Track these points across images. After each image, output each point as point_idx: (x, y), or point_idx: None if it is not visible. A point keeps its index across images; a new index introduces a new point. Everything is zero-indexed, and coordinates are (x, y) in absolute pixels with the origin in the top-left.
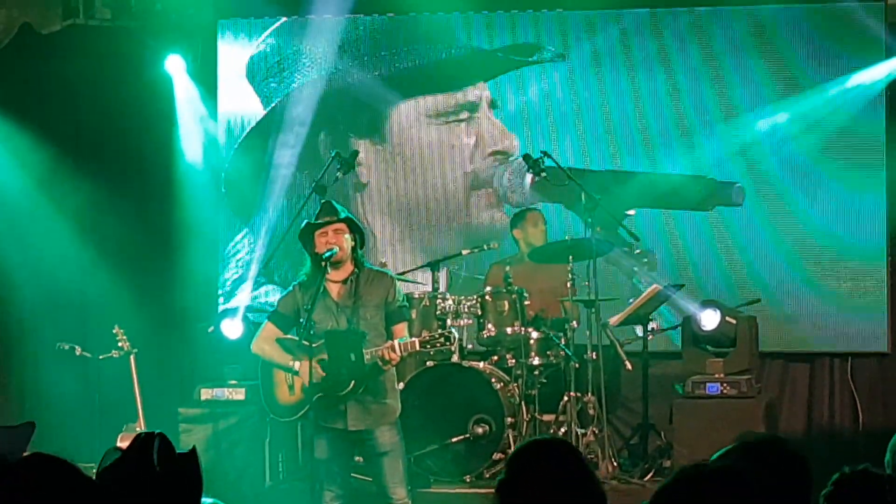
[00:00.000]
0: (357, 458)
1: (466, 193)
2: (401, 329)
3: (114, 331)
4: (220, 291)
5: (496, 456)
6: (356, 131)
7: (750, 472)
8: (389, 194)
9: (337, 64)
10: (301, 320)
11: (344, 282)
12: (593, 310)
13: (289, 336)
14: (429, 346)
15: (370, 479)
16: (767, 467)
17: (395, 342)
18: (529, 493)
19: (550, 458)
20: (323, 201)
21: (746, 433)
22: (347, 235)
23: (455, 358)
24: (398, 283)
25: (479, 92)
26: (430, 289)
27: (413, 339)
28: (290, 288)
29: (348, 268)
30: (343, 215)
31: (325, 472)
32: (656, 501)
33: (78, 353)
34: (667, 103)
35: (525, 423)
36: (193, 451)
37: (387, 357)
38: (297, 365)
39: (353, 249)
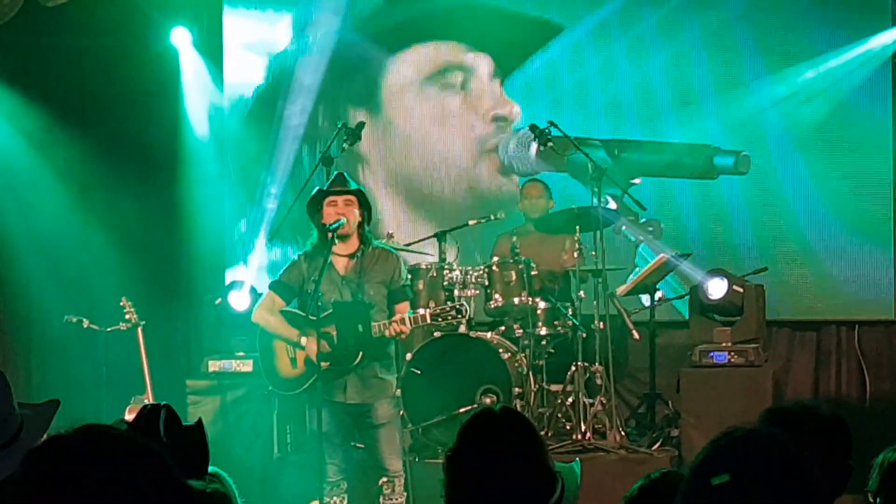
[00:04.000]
0: None
1: (473, 161)
2: (403, 308)
3: (121, 303)
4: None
5: None
6: (352, 100)
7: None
8: (388, 165)
9: (338, 31)
10: (308, 290)
11: (350, 256)
12: (600, 279)
13: (292, 310)
14: (440, 319)
15: (363, 447)
16: (804, 435)
17: (405, 315)
18: (477, 464)
19: (500, 430)
20: (336, 172)
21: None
22: (356, 209)
23: (462, 328)
24: (402, 263)
25: (477, 57)
26: (436, 259)
27: (424, 311)
28: (295, 258)
29: (354, 242)
30: (354, 187)
31: (327, 445)
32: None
33: (85, 326)
34: (672, 73)
35: (532, 394)
36: (200, 422)
37: (398, 330)
38: (303, 340)
39: (361, 224)
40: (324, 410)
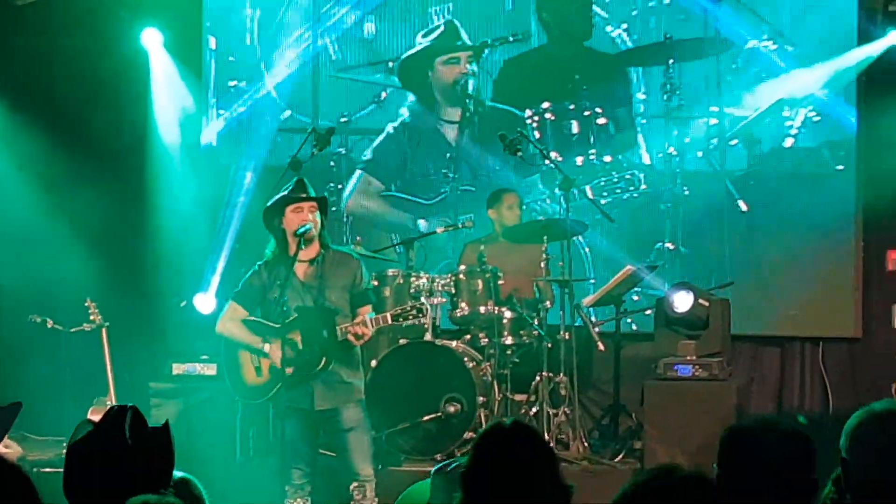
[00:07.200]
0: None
1: None
2: (365, 312)
3: (86, 304)
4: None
5: (467, 435)
6: None
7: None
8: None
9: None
10: (270, 298)
11: (310, 262)
12: (567, 290)
13: (255, 318)
14: (401, 319)
15: (334, 455)
16: (766, 450)
17: (366, 317)
18: (492, 480)
19: (513, 445)
20: (296, 178)
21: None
22: (319, 215)
23: (428, 336)
24: (363, 266)
25: None
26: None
27: (385, 312)
28: (255, 267)
29: (315, 247)
30: (315, 194)
31: (292, 451)
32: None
33: (50, 326)
34: (637, 89)
35: (497, 403)
36: (166, 424)
37: (359, 332)
38: (266, 347)
39: (321, 230)
40: (290, 418)
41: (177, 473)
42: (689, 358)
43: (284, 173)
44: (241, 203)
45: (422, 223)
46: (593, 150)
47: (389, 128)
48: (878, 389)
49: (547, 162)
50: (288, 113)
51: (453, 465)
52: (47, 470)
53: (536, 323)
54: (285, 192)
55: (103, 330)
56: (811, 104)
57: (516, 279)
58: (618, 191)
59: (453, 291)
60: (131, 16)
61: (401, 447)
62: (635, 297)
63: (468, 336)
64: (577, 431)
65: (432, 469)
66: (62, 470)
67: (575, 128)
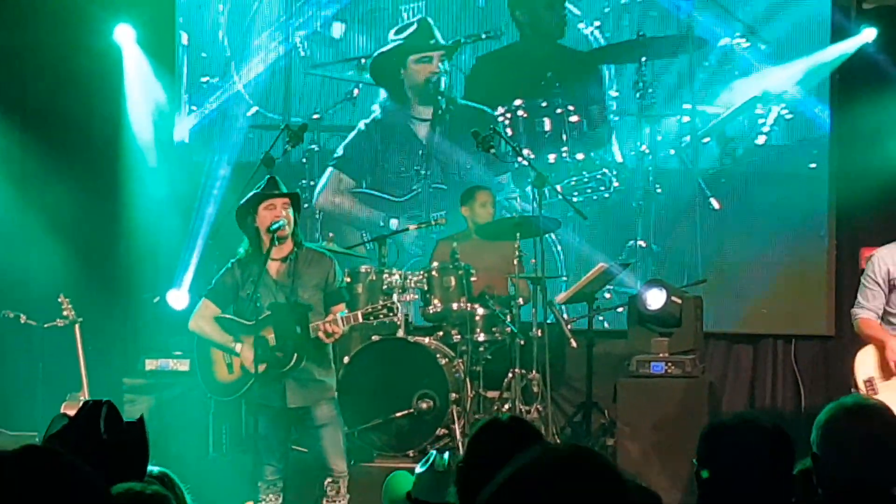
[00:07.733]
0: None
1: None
2: (338, 310)
3: (59, 299)
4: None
5: (440, 431)
6: None
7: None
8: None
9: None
10: (243, 296)
11: (283, 260)
12: (539, 287)
13: (228, 315)
14: (371, 318)
15: (306, 451)
16: (746, 447)
17: (337, 315)
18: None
19: (511, 438)
20: (268, 176)
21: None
22: (292, 211)
23: (400, 333)
24: (336, 265)
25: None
26: (376, 263)
27: (356, 311)
28: (228, 265)
29: (288, 245)
30: (285, 190)
31: (264, 447)
32: None
33: (23, 322)
34: (610, 87)
35: (469, 400)
36: (141, 419)
37: (330, 330)
38: (238, 347)
39: (294, 227)
40: (262, 415)
41: (154, 468)
42: (661, 355)
43: (257, 170)
44: (213, 199)
45: (393, 222)
46: (566, 148)
47: (361, 124)
48: (850, 387)
49: (520, 159)
50: (255, 109)
51: (431, 458)
52: None
53: (509, 320)
54: (257, 191)
55: (76, 325)
56: (784, 102)
57: (489, 276)
58: (590, 188)
59: (426, 288)
60: (104, 12)
61: (373, 443)
62: (607, 295)
63: (441, 333)
64: (549, 429)
65: (418, 465)
66: None
67: (547, 125)
